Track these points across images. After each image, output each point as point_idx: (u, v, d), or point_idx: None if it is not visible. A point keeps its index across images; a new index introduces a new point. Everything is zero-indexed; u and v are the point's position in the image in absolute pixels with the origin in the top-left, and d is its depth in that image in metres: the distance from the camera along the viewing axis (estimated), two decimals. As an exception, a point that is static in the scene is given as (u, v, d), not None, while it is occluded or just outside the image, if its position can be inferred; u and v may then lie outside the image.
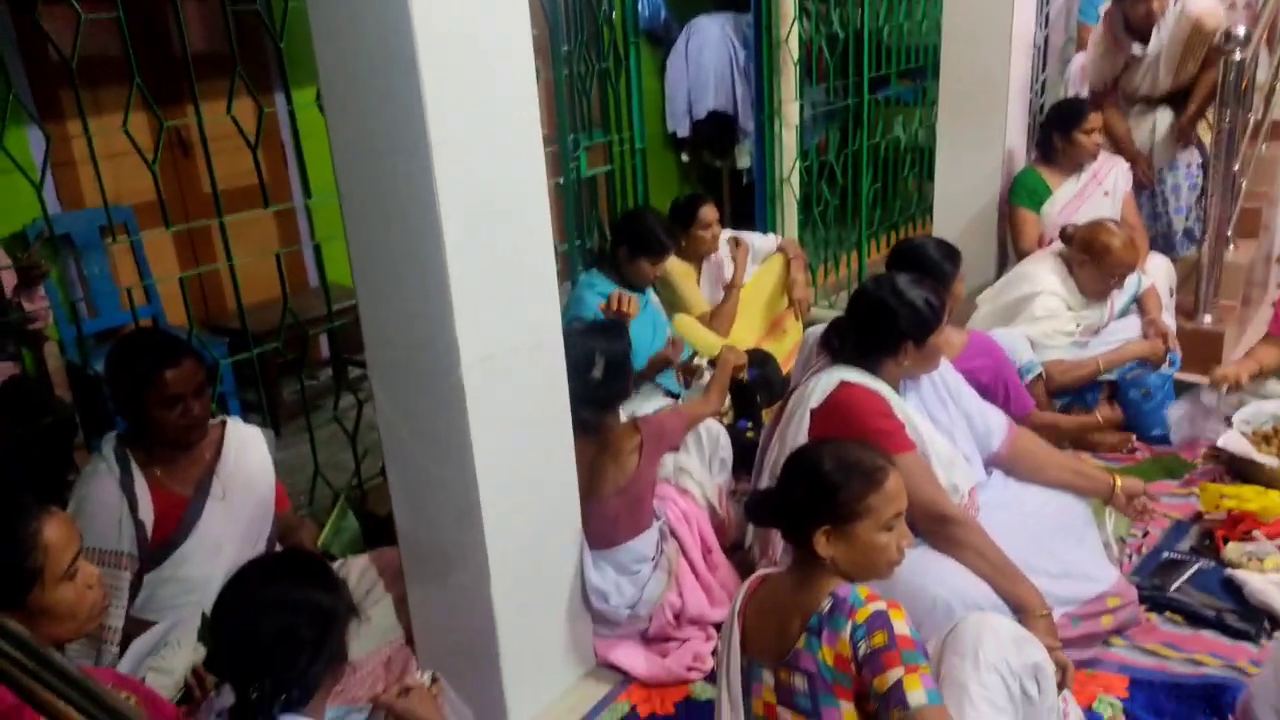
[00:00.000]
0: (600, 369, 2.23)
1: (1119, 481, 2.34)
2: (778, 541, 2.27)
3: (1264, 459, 2.76)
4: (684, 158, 5.53)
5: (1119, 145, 3.78)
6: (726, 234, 3.62)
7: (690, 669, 2.21)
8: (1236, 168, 3.57)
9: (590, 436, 2.21)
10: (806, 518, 1.59)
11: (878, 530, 1.60)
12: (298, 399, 2.93)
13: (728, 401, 2.92)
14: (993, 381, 2.69)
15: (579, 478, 2.14)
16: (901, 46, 4.90)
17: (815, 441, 1.66)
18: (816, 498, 1.59)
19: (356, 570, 2.25)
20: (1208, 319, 3.63)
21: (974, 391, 2.45)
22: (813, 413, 2.20)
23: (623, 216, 3.43)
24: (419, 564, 2.09)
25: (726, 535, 2.50)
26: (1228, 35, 3.41)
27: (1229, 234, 3.68)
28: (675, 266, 3.46)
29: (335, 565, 2.26)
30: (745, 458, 2.71)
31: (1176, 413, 3.06)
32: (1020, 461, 2.40)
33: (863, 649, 1.47)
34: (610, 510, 2.20)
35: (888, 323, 2.17)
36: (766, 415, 2.90)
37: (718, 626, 2.31)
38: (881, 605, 1.50)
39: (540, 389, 2.00)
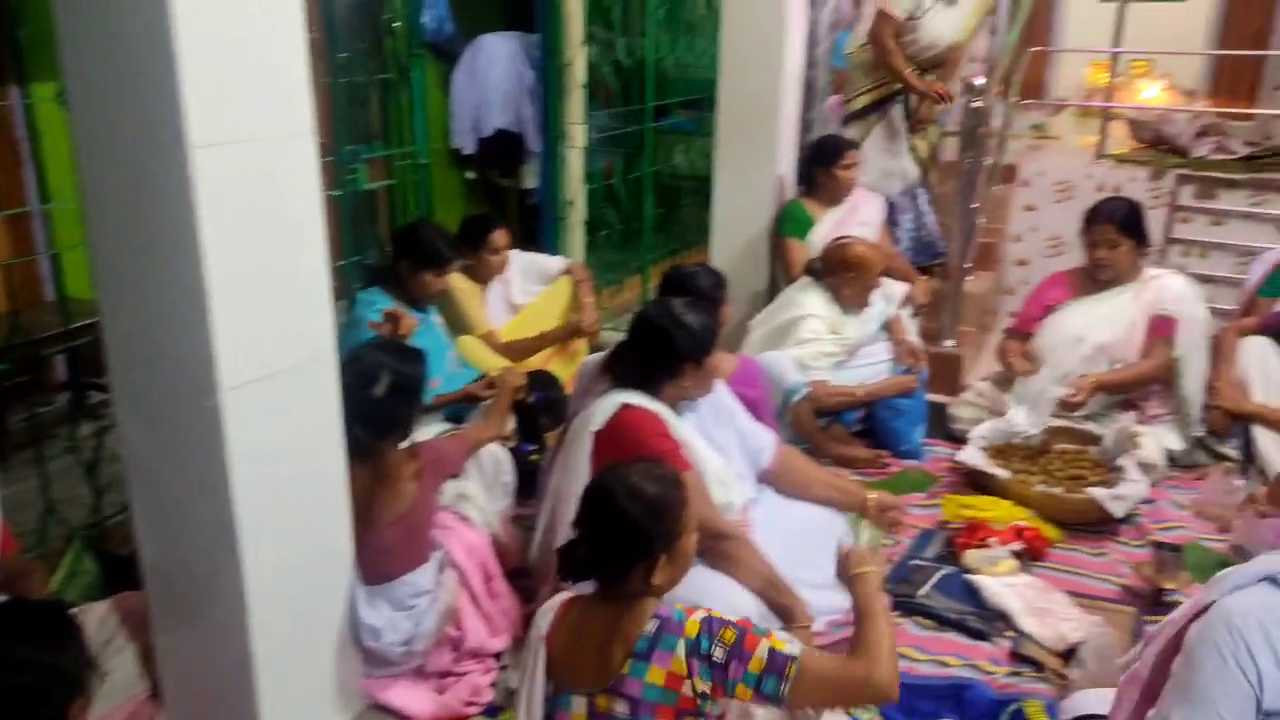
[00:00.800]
0: (384, 390, 2.14)
1: (872, 495, 2.53)
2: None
3: (996, 471, 3.06)
4: (469, 175, 5.45)
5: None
6: (515, 255, 3.59)
7: (469, 704, 2.15)
8: (975, 206, 3.96)
9: (366, 463, 2.12)
10: (633, 559, 1.59)
11: (690, 535, 1.65)
12: (28, 427, 2.62)
13: (511, 424, 2.89)
14: (756, 405, 2.83)
15: (353, 507, 2.04)
16: (683, 78, 5.08)
17: (603, 486, 1.64)
18: (640, 537, 1.58)
19: (95, 619, 2.03)
20: (950, 343, 4.00)
21: (746, 411, 2.58)
22: (595, 435, 2.23)
23: (402, 229, 3.33)
24: (168, 606, 1.92)
25: (508, 560, 2.46)
26: (969, 86, 3.78)
27: (969, 266, 4.08)
28: (460, 285, 3.40)
29: (71, 614, 2.03)
30: (529, 481, 2.69)
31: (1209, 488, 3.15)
32: (787, 478, 2.55)
33: (717, 653, 1.51)
34: (386, 541, 2.11)
35: (668, 346, 2.25)
36: (551, 438, 2.90)
37: (498, 657, 2.27)
38: (702, 612, 1.57)
39: (311, 412, 1.90)
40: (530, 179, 5.31)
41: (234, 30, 1.61)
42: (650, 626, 1.55)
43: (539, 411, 3.04)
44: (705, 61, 5.19)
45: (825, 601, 2.27)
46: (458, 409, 3.00)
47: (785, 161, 4.06)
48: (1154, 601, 2.52)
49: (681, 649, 1.52)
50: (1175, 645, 1.44)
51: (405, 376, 2.18)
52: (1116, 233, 3.30)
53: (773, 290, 4.02)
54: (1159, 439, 3.24)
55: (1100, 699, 1.87)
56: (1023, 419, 3.25)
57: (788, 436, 3.26)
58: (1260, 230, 4.38)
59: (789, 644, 1.54)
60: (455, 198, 5.36)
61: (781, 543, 2.32)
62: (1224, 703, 1.32)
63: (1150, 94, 6.45)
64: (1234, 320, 3.57)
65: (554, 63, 4.60)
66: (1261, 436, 3.15)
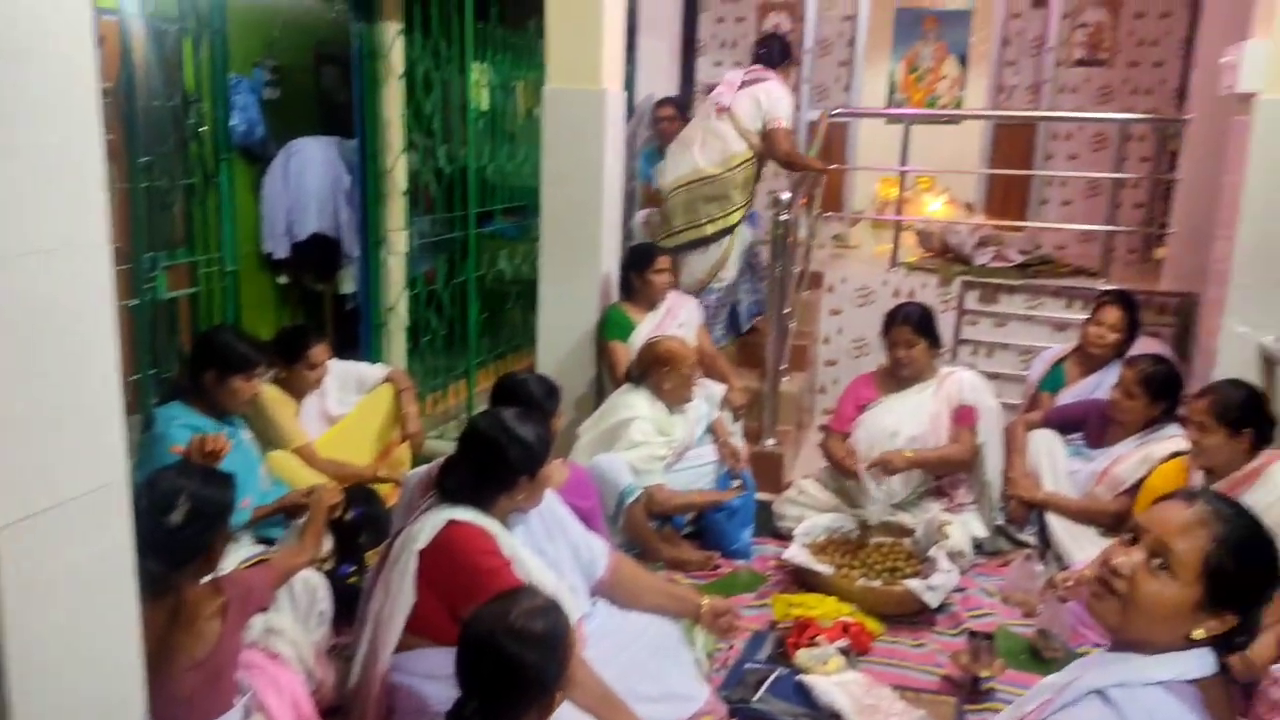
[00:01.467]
0: (183, 518, 1.96)
1: (706, 601, 2.53)
2: (392, 703, 2.12)
3: (820, 568, 3.14)
4: (282, 280, 5.25)
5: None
6: (332, 364, 3.45)
7: None
8: (787, 311, 4.17)
9: (162, 600, 1.92)
10: (529, 704, 1.58)
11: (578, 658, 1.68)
12: None
13: (327, 545, 2.72)
14: (588, 515, 2.81)
15: (146, 652, 1.83)
16: (505, 185, 5.15)
17: (486, 635, 1.61)
18: (537, 681, 1.58)
19: None
20: (770, 442, 4.13)
21: (578, 522, 2.54)
22: (420, 554, 2.13)
23: (199, 337, 3.13)
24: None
25: (325, 699, 2.28)
26: (776, 200, 4.02)
27: (784, 367, 4.26)
28: (272, 395, 3.22)
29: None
30: (348, 607, 2.52)
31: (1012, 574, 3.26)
32: (621, 588, 2.51)
33: None
34: (184, 689, 1.91)
35: (500, 459, 2.19)
36: (371, 558, 2.74)
37: (314, 805, 2.08)
38: None
39: (99, 545, 1.70)
40: (348, 284, 5.17)
41: (22, 135, 1.49)
42: None
43: (358, 529, 2.88)
44: (527, 169, 5.27)
45: (666, 713, 2.24)
46: (268, 529, 2.80)
47: (609, 266, 4.15)
48: (972, 690, 2.62)
49: None
50: None
51: (208, 503, 2.01)
52: (913, 333, 3.54)
53: (599, 394, 4.05)
54: (966, 527, 3.44)
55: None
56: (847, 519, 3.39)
57: (620, 540, 3.25)
58: (1038, 330, 4.83)
59: None
60: (267, 304, 5.13)
61: (618, 656, 2.28)
62: None
63: (935, 207, 7.08)
64: (1021, 414, 3.88)
65: (373, 168, 4.56)
66: (1054, 523, 3.39)
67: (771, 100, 4.22)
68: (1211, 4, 4.77)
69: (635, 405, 3.45)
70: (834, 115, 5.17)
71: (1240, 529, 1.35)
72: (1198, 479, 2.85)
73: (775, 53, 4.42)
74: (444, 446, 3.93)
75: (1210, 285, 3.85)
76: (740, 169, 4.25)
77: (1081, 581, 2.86)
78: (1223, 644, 1.34)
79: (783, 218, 3.98)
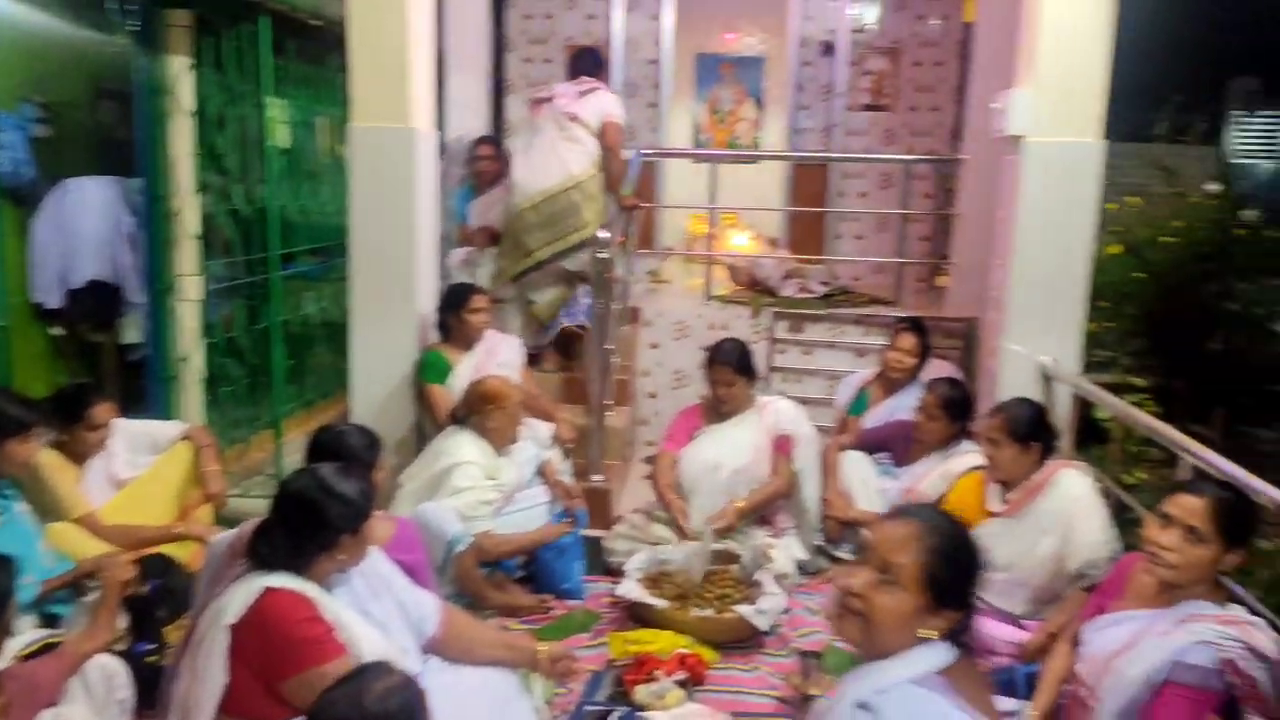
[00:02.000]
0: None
1: (543, 648, 2.46)
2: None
3: (654, 601, 3.15)
4: (56, 332, 4.77)
5: None
6: (119, 424, 3.15)
7: None
8: (609, 346, 4.19)
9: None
10: None
11: None
12: None
13: (123, 623, 2.46)
14: (414, 569, 2.68)
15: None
16: (308, 224, 4.92)
17: None
18: None
19: None
20: (598, 478, 4.12)
21: (405, 578, 2.41)
22: (232, 629, 1.95)
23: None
24: None
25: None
26: (594, 238, 4.05)
27: (609, 402, 4.27)
28: (50, 461, 2.90)
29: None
30: (149, 689, 2.28)
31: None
32: (453, 644, 2.40)
33: None
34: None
35: (320, 518, 2.06)
36: (172, 633, 2.50)
37: None
38: None
39: None
40: (131, 333, 4.76)
41: None
42: None
43: (155, 603, 2.62)
44: (331, 208, 5.07)
45: (506, 770, 2.15)
46: (53, 606, 2.51)
47: (425, 307, 4.04)
48: (805, 709, 2.69)
49: None
50: None
51: None
52: (733, 373, 3.66)
53: (421, 440, 3.91)
54: (788, 550, 3.55)
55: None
56: (681, 557, 3.40)
57: (449, 590, 3.14)
58: (841, 356, 5.09)
59: None
60: (40, 359, 4.66)
61: (455, 714, 2.17)
62: None
63: (741, 242, 7.36)
64: (833, 438, 4.06)
65: (159, 209, 4.25)
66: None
67: (609, 101, 4.40)
68: (980, 54, 5.24)
69: (459, 450, 3.36)
70: (644, 155, 5.29)
71: (949, 538, 1.56)
72: (994, 491, 3.07)
73: (594, 63, 4.58)
74: (249, 505, 3.67)
75: (989, 310, 4.19)
76: (587, 181, 4.34)
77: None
78: (955, 636, 1.52)
79: (601, 255, 4.01)
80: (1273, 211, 7.29)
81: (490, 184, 4.97)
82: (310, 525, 2.04)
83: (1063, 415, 3.74)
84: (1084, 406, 3.84)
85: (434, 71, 4.06)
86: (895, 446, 3.81)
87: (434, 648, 2.38)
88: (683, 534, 3.56)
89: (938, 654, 1.50)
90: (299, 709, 1.86)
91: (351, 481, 2.12)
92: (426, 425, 3.92)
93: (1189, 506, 2.13)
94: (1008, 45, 3.99)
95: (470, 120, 5.66)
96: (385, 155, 3.82)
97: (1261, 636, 2.03)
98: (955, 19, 6.32)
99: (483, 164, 4.98)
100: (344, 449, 2.54)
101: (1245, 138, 13.42)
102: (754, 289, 5.62)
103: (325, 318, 5.15)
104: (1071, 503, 2.87)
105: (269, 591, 1.97)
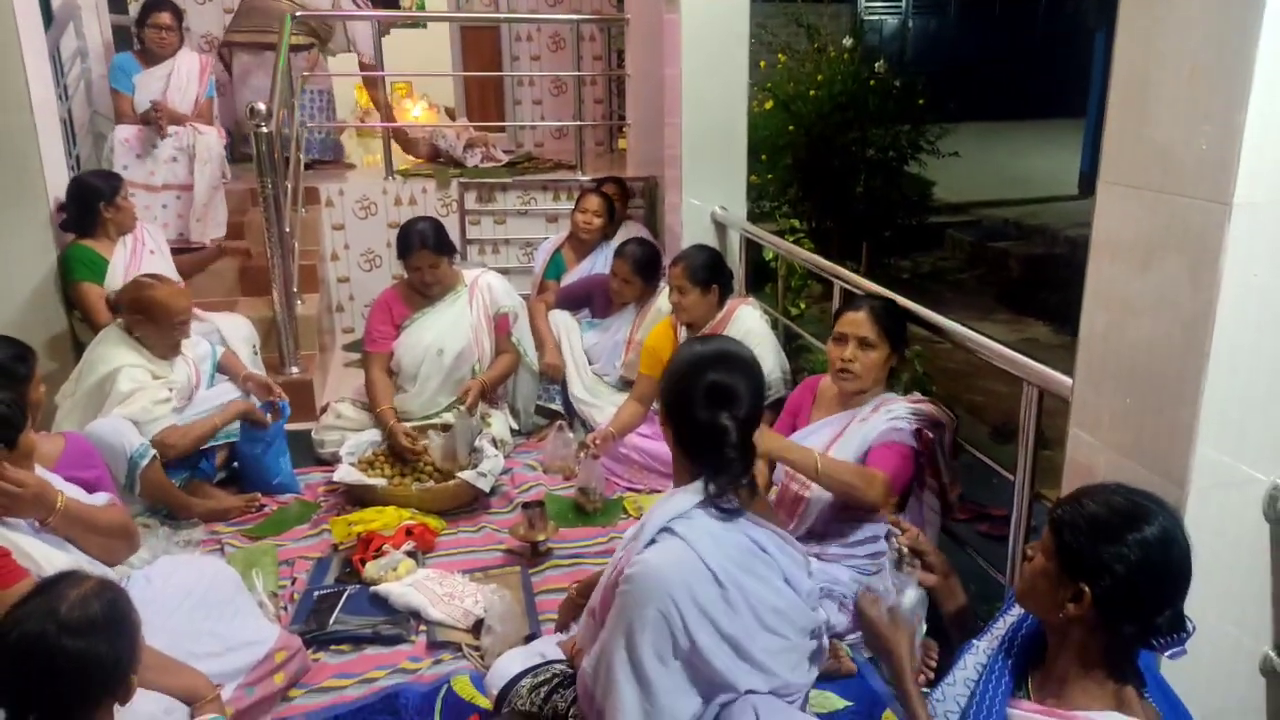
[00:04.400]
0: None
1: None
2: None
3: (373, 481, 3.11)
4: None
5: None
6: None
7: None
8: (287, 230, 3.93)
9: None
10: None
11: None
12: None
13: None
14: (97, 485, 2.45)
15: None
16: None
17: (35, 635, 1.39)
18: (112, 676, 1.46)
19: None
20: (295, 370, 3.93)
21: (84, 493, 2.20)
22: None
23: None
24: None
25: None
26: (252, 111, 3.71)
27: (295, 290, 4.04)
28: None
29: None
30: None
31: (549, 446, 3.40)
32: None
33: None
34: None
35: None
36: None
37: None
38: None
39: None
40: None
41: None
42: None
43: None
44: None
45: (234, 664, 2.10)
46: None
47: (57, 198, 3.56)
48: (533, 554, 2.83)
49: None
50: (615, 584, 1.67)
51: None
52: (434, 255, 3.43)
53: (78, 348, 3.50)
54: (505, 417, 3.63)
55: (524, 655, 2.03)
56: (440, 441, 3.32)
57: (141, 507, 2.90)
58: (534, 224, 5.14)
59: None
60: None
61: (166, 622, 2.05)
62: (647, 639, 1.58)
63: (416, 113, 7.09)
64: (533, 300, 4.14)
65: None
66: (577, 393, 3.75)
67: None
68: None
69: (117, 355, 2.98)
70: (298, 17, 4.88)
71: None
72: (683, 333, 3.32)
73: None
74: None
75: (667, 168, 4.41)
76: None
77: (606, 438, 3.21)
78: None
79: (263, 129, 3.70)
80: (896, 63, 8.19)
81: (167, 58, 4.37)
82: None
83: (735, 259, 4.07)
84: (753, 250, 4.20)
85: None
86: (594, 301, 3.97)
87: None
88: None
89: (696, 493, 1.68)
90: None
91: (-5, 393, 1.88)
92: (81, 331, 3.52)
93: (855, 320, 2.50)
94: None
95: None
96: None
97: (935, 410, 2.49)
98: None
99: (163, 34, 4.33)
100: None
101: (874, -6, 14.81)
102: (436, 161, 5.48)
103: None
104: (746, 334, 3.17)
105: (-80, 527, 1.73)
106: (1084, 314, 1.74)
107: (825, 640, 1.82)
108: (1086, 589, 1.33)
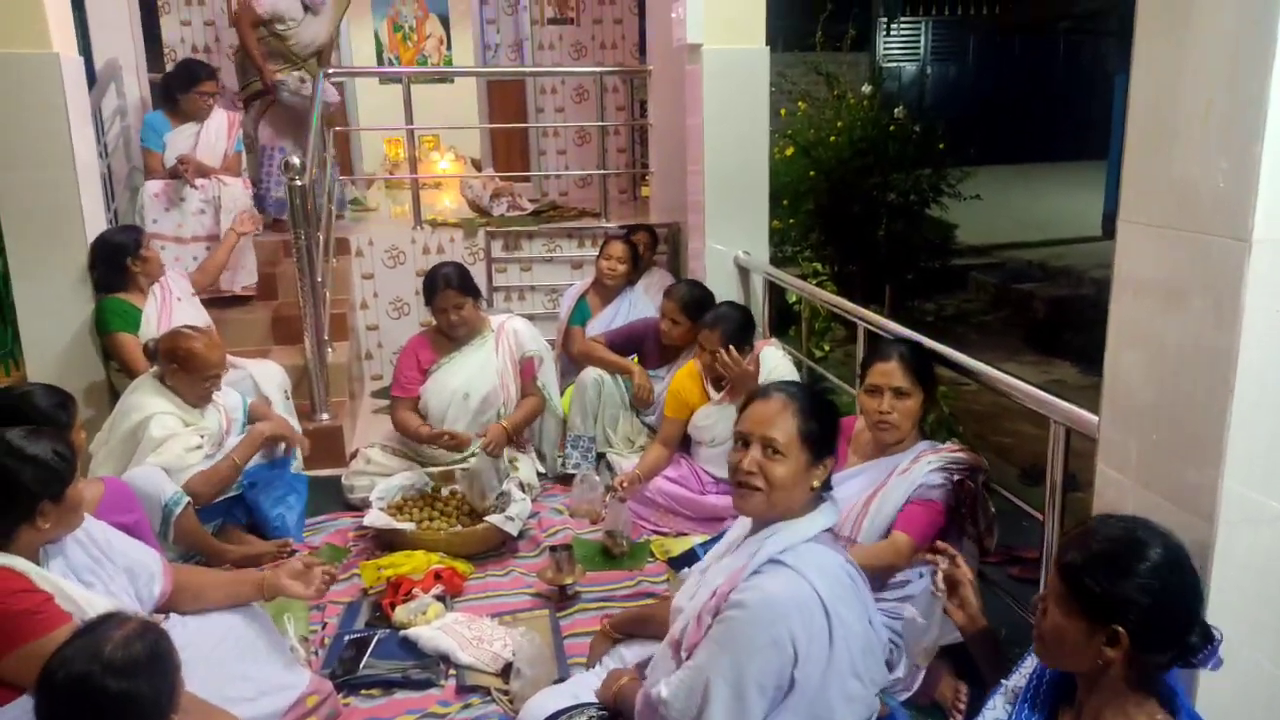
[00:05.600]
0: None
1: (268, 571, 2.32)
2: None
3: (402, 525, 3.14)
4: None
5: None
6: None
7: None
8: (320, 280, 4.02)
9: None
10: None
11: None
12: None
13: None
14: (134, 531, 2.49)
15: None
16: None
17: (80, 677, 1.42)
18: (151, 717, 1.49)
19: None
20: (325, 416, 3.99)
21: (127, 540, 2.24)
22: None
23: None
24: None
25: None
26: (287, 165, 3.82)
27: (327, 338, 4.12)
28: None
29: None
30: None
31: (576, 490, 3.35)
32: (184, 594, 2.27)
33: None
34: None
35: (15, 487, 1.85)
36: None
37: None
38: None
39: None
40: None
41: None
42: None
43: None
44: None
45: (267, 709, 2.11)
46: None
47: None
48: (562, 597, 2.84)
49: None
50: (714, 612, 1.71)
51: None
52: (459, 295, 3.52)
53: (113, 397, 3.58)
54: (532, 461, 3.66)
55: (555, 696, 2.04)
56: (465, 482, 3.35)
57: (176, 554, 2.94)
58: (559, 271, 5.21)
59: None
60: None
61: (204, 669, 2.07)
62: (755, 666, 1.62)
63: (443, 165, 7.24)
64: (578, 343, 4.09)
65: None
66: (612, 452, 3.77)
67: None
68: (653, -35, 5.43)
69: (149, 403, 3.03)
70: (331, 75, 5.02)
71: (811, 399, 1.83)
72: (710, 388, 3.35)
73: None
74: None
75: (690, 214, 4.47)
76: None
77: (633, 481, 3.23)
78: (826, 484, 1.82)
79: (298, 183, 3.80)
80: (916, 108, 8.27)
81: (204, 120, 4.52)
82: (5, 494, 1.84)
83: (759, 302, 4.11)
84: (776, 293, 4.23)
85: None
86: (645, 351, 3.93)
87: (168, 606, 2.24)
88: (423, 462, 3.52)
89: (826, 515, 1.78)
90: (23, 688, 1.71)
91: (44, 443, 1.92)
92: (118, 380, 3.60)
93: (887, 371, 2.51)
94: (679, -45, 4.18)
95: (119, 44, 5.10)
96: (26, 86, 3.36)
97: (970, 457, 2.49)
98: (630, -69, 6.48)
99: (209, 100, 4.49)
100: (32, 411, 2.29)
101: (891, 43, 14.99)
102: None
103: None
104: (769, 374, 3.19)
105: (-32, 571, 1.77)
106: (1108, 351, 1.75)
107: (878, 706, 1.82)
108: (1120, 629, 1.33)
